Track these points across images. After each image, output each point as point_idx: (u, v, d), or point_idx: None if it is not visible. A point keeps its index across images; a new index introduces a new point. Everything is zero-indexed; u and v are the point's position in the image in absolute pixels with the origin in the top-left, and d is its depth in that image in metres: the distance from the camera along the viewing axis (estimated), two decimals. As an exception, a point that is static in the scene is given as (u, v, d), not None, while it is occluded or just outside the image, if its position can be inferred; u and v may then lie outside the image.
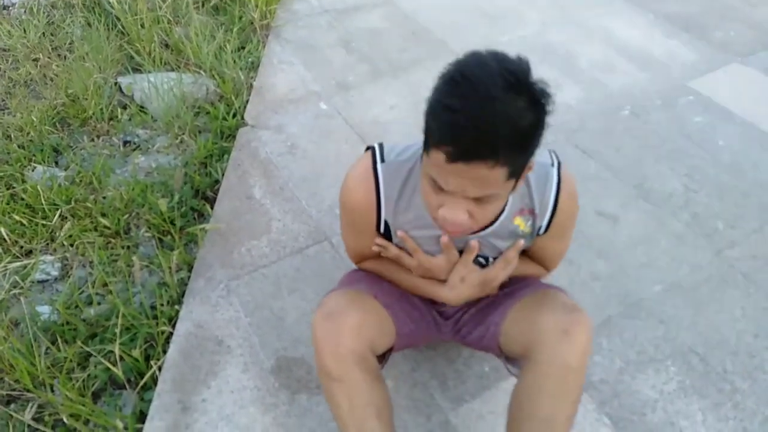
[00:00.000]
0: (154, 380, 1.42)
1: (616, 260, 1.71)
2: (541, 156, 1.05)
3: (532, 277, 1.23)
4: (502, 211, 1.04)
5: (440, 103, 0.80)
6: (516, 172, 0.84)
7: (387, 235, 1.12)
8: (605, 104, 2.33)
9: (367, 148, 1.09)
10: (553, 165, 1.06)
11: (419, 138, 0.91)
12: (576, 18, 2.90)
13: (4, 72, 2.52)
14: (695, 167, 2.04)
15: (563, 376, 0.97)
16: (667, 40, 2.74)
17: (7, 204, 1.87)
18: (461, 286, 1.11)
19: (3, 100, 2.37)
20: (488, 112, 0.76)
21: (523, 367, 1.04)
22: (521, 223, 1.07)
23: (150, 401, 1.38)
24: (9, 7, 2.91)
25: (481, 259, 1.13)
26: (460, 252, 1.10)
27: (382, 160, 1.05)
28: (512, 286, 1.20)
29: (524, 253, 1.19)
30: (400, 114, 2.25)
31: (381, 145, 1.07)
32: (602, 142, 2.14)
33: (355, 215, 1.10)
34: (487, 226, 1.05)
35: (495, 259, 1.12)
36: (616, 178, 2.00)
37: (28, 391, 1.39)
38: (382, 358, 1.17)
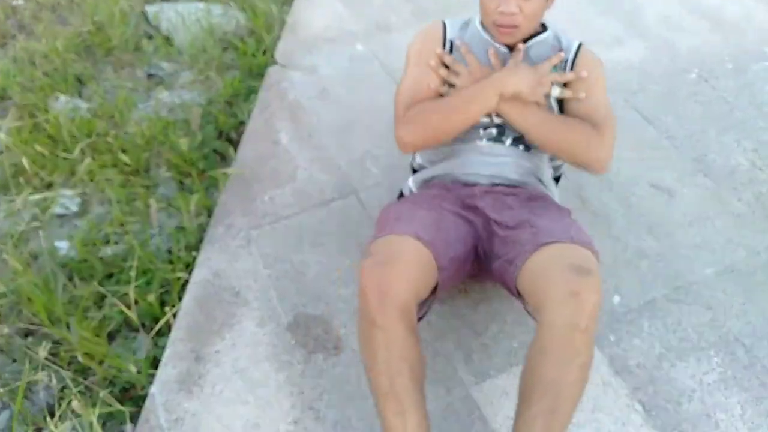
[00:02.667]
0: (169, 326, 1.39)
1: (667, 238, 1.60)
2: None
3: (582, 135, 1.24)
4: (538, 33, 1.28)
5: None
6: None
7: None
8: (670, 65, 2.16)
9: None
10: (575, 40, 1.33)
11: None
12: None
13: (32, -6, 2.44)
14: (763, 142, 1.88)
15: (569, 336, 0.99)
16: (744, -3, 2.49)
17: (30, 133, 1.83)
18: (516, 67, 1.23)
19: (29, 24, 2.31)
20: None
21: (536, 329, 1.06)
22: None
23: (164, 347, 1.36)
24: (37, -76, 2.78)
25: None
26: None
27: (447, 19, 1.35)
28: (542, 221, 1.18)
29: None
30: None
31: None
32: (664, 107, 1.99)
33: (424, 41, 1.33)
34: (526, 40, 1.27)
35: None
36: (675, 149, 1.85)
37: (45, 326, 1.38)
38: (423, 305, 1.18)
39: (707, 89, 2.06)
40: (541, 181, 1.35)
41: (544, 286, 1.04)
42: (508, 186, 1.31)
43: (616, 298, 1.45)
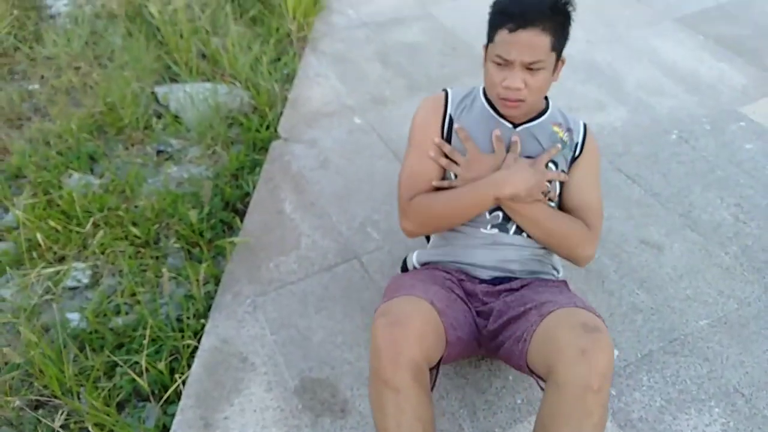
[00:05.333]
0: (178, 394, 1.40)
1: (660, 292, 1.63)
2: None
3: (574, 240, 1.28)
4: (544, 112, 1.31)
5: (499, 3, 1.19)
6: (556, 46, 1.17)
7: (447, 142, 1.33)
8: (652, 128, 2.25)
9: None
10: (579, 120, 1.38)
11: None
12: (623, 37, 2.82)
13: (47, 80, 2.58)
14: (745, 197, 1.94)
15: (582, 397, 0.97)
16: (717, 62, 2.63)
17: (44, 209, 1.89)
18: (514, 166, 1.24)
19: (44, 107, 2.43)
20: None
21: (545, 389, 1.05)
22: (559, 131, 1.31)
23: (173, 415, 1.36)
24: (55, 16, 2.99)
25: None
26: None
27: (451, 88, 1.38)
28: (543, 297, 1.19)
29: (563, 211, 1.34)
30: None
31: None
32: (648, 167, 2.06)
33: (423, 118, 1.34)
34: (531, 120, 1.30)
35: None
36: (661, 206, 1.92)
37: (56, 397, 1.40)
38: (430, 374, 1.17)
39: (688, 149, 2.14)
40: (542, 261, 1.35)
41: (554, 348, 1.03)
42: (509, 279, 1.31)
43: (615, 352, 1.48)
